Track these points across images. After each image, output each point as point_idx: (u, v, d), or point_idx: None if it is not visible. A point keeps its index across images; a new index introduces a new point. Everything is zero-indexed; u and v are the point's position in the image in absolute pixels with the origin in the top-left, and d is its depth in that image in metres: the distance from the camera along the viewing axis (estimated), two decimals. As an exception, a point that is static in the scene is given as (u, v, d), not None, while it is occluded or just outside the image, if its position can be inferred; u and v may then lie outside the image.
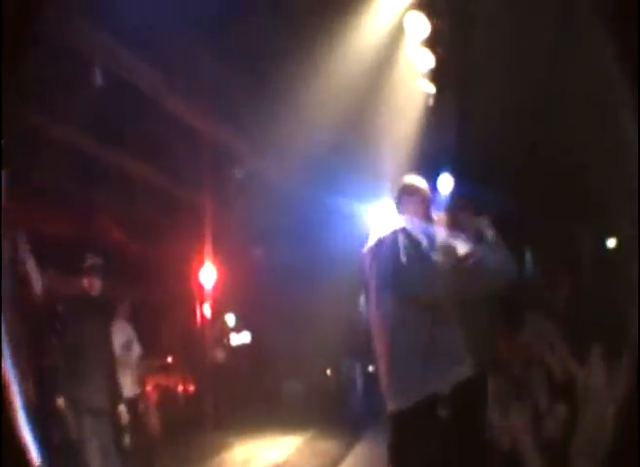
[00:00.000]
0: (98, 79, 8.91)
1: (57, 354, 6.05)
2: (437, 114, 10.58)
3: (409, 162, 10.30)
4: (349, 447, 10.19)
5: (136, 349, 8.38)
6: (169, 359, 11.64)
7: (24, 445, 3.48)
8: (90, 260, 6.24)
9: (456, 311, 4.56)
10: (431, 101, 10.40)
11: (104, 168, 10.97)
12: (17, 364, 3.94)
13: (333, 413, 11.32)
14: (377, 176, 10.55)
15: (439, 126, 10.83)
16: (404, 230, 4.53)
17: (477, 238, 5.01)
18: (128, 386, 7.86)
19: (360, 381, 12.42)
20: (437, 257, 4.42)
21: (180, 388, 10.97)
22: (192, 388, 11.29)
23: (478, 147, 10.86)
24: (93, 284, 6.15)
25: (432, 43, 9.54)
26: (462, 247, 4.61)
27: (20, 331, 4.87)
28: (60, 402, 5.81)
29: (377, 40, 9.92)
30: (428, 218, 4.79)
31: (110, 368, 6.24)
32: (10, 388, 3.68)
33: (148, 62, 9.93)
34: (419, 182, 4.92)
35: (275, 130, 10.99)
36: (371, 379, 10.45)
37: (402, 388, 4.35)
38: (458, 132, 10.99)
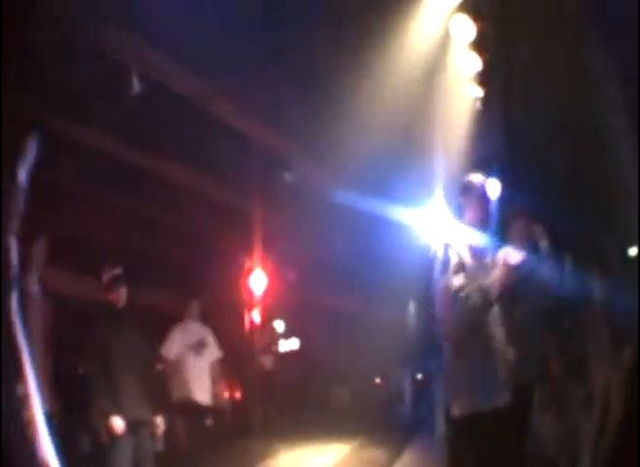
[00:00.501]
0: (136, 85, 8.87)
1: (90, 364, 5.90)
2: (485, 118, 10.36)
3: (459, 167, 10.25)
4: (397, 455, 10.07)
5: (212, 352, 7.91)
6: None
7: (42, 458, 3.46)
8: (109, 272, 5.99)
9: (501, 331, 4.56)
10: (478, 105, 10.23)
11: (151, 176, 11.03)
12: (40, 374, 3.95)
13: (380, 421, 11.17)
14: (427, 181, 10.56)
15: (487, 131, 10.70)
16: (446, 247, 4.52)
17: (530, 248, 5.19)
18: (200, 393, 7.67)
19: (409, 390, 12.22)
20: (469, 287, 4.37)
21: (227, 395, 10.95)
22: (239, 395, 11.27)
23: (524, 151, 10.72)
24: (119, 295, 5.93)
25: (478, 46, 9.42)
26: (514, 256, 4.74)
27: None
28: (94, 413, 5.68)
29: (424, 44, 9.89)
30: (485, 221, 4.73)
31: (147, 378, 6.07)
32: (31, 400, 3.68)
33: (193, 67, 9.94)
34: (476, 178, 4.83)
35: (325, 134, 10.95)
36: (419, 388, 10.26)
37: (456, 400, 4.51)
38: (505, 137, 10.84)
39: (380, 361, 12.06)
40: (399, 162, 11.50)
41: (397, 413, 11.66)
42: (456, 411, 4.48)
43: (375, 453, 10.20)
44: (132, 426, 5.73)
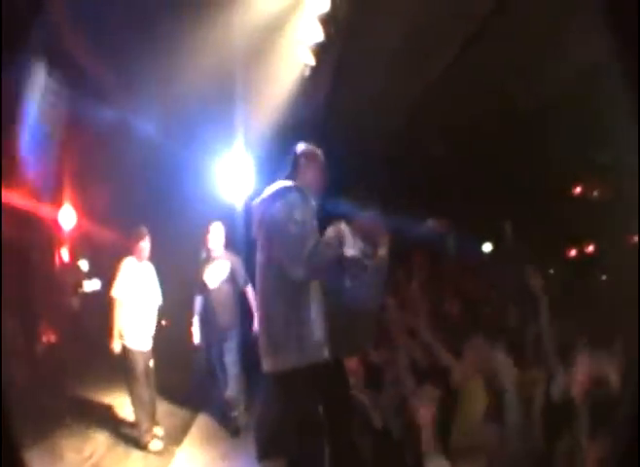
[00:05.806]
0: None
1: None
2: (310, 85, 10.64)
3: (273, 126, 10.73)
4: (198, 410, 10.38)
5: None
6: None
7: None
8: None
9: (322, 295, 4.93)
10: (307, 72, 10.48)
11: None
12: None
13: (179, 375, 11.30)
14: (236, 130, 10.82)
15: (310, 98, 10.91)
16: (298, 189, 4.70)
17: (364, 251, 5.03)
18: None
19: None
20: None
21: (44, 338, 10.58)
22: (54, 337, 10.90)
23: (343, 127, 11.14)
24: None
25: (325, 19, 9.51)
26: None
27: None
28: None
29: (272, 5, 9.81)
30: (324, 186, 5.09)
31: None
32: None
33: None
34: (318, 151, 5.20)
35: (149, 73, 10.42)
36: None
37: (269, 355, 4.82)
38: (327, 109, 11.21)
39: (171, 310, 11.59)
40: (214, 111, 11.45)
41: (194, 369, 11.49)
42: (270, 366, 4.74)
43: (175, 408, 10.37)
44: None
